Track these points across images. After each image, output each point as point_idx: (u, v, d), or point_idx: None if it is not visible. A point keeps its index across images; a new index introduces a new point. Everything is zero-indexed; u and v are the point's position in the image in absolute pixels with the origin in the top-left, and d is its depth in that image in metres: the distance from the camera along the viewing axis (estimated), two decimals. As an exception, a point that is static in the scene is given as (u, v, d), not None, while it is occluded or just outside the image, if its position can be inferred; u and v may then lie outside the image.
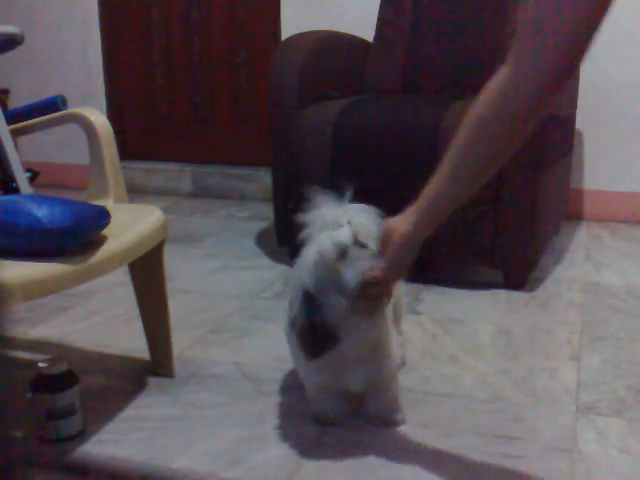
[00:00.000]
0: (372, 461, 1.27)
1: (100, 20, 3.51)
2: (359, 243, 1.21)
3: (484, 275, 2.18)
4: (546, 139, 1.99)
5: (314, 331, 1.20)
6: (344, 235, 1.20)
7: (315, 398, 1.37)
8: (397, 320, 1.50)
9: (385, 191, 2.10)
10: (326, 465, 1.26)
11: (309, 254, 1.21)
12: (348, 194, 1.46)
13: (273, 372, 1.60)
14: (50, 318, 1.92)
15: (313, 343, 1.21)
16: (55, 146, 3.56)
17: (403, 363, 1.58)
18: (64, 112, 1.67)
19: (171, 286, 1.56)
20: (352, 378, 1.31)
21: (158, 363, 1.60)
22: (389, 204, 2.11)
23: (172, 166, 3.47)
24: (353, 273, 1.18)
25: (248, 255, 2.43)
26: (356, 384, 1.32)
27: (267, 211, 2.88)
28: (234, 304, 2.01)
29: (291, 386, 1.53)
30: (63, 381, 1.32)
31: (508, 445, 1.31)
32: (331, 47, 2.49)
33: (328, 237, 1.20)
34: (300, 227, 1.28)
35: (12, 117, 1.70)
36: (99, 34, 3.52)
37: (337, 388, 1.35)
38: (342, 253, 1.19)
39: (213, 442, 1.33)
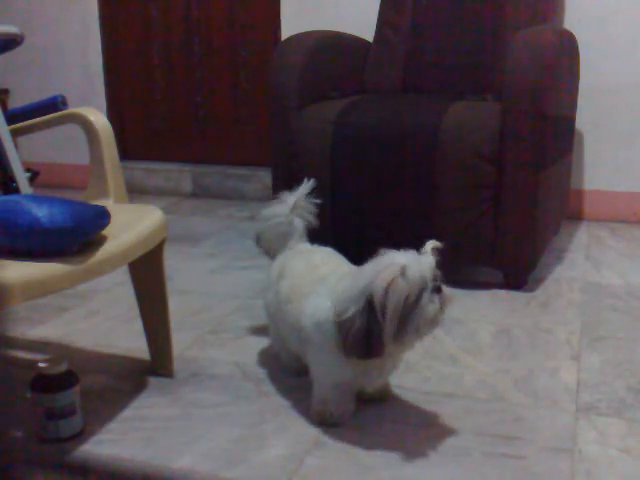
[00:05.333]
0: (372, 461, 1.27)
1: (100, 20, 3.51)
2: (437, 287, 1.22)
3: (484, 275, 2.18)
4: (546, 139, 1.99)
5: (363, 339, 1.20)
6: (424, 265, 1.22)
7: (325, 397, 1.36)
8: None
9: (385, 191, 2.11)
10: (326, 465, 1.26)
11: (388, 270, 1.20)
12: (302, 188, 1.55)
13: (273, 372, 1.60)
14: (50, 318, 1.92)
15: (366, 348, 1.21)
16: (55, 146, 3.56)
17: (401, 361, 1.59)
18: (64, 112, 1.67)
19: (171, 286, 1.56)
20: (372, 379, 1.35)
21: (158, 363, 1.60)
22: (389, 204, 2.11)
23: (172, 166, 3.47)
24: (420, 318, 1.20)
25: (248, 255, 2.43)
26: (373, 384, 1.38)
27: (267, 211, 2.88)
28: (234, 304, 2.01)
29: (291, 386, 1.53)
30: (63, 381, 1.32)
31: (508, 445, 1.31)
32: (331, 47, 2.49)
33: (418, 265, 1.21)
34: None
35: (12, 117, 1.70)
36: (99, 34, 3.52)
37: (353, 387, 1.37)
38: (423, 288, 1.20)
39: (213, 442, 1.33)
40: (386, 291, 1.18)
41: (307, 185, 1.57)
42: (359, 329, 1.20)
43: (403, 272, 1.19)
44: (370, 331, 1.19)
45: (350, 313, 1.21)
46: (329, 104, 2.24)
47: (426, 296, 1.20)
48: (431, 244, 1.26)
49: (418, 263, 1.21)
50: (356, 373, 1.32)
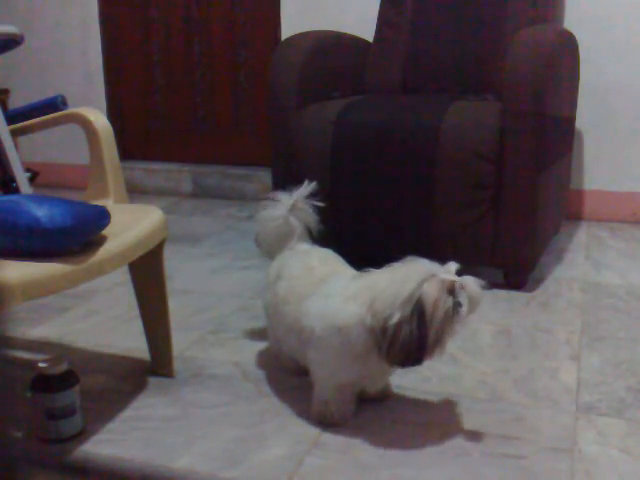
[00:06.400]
0: (372, 461, 1.27)
1: (100, 20, 3.51)
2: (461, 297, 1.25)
3: (484, 275, 2.18)
4: (546, 139, 2.00)
5: (412, 347, 1.22)
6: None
7: (327, 398, 1.36)
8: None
9: (385, 191, 2.10)
10: (326, 465, 1.26)
11: (436, 280, 1.22)
12: (302, 189, 1.56)
13: (273, 372, 1.60)
14: (50, 318, 1.92)
15: (414, 355, 1.23)
16: (55, 146, 3.56)
17: None
18: (64, 112, 1.67)
19: (171, 286, 1.57)
20: (375, 380, 1.38)
21: (158, 363, 1.60)
22: (389, 204, 2.11)
23: (172, 166, 3.47)
24: (454, 328, 1.24)
25: (248, 255, 2.43)
26: (376, 385, 1.41)
27: (267, 211, 2.88)
28: (234, 304, 2.01)
29: (291, 386, 1.53)
30: (63, 381, 1.32)
31: (508, 445, 1.31)
32: (331, 47, 2.49)
33: (466, 280, 1.24)
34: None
35: (12, 117, 1.70)
36: (99, 34, 3.52)
37: (355, 388, 1.38)
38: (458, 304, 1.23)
39: (213, 442, 1.33)
40: (436, 303, 1.21)
41: (307, 187, 1.57)
42: (408, 336, 1.21)
43: (451, 287, 1.22)
44: (419, 338, 1.21)
45: (396, 319, 1.21)
46: (329, 104, 2.24)
47: (455, 311, 1.24)
48: (454, 266, 1.27)
49: (464, 280, 1.24)
50: (363, 375, 1.32)
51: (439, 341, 1.23)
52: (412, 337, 1.21)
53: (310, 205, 1.57)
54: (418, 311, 1.20)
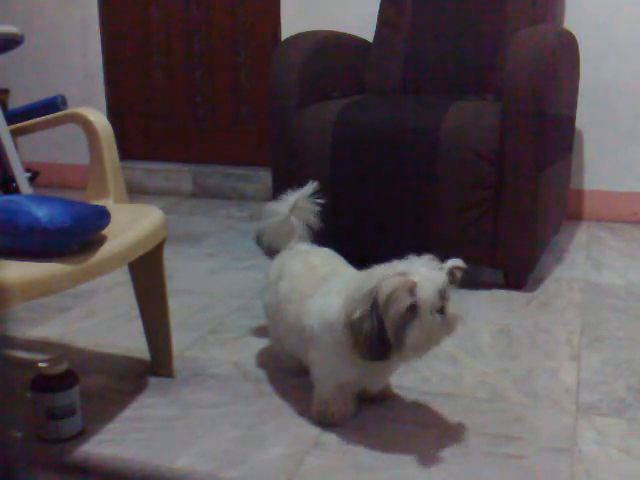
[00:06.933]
0: (372, 461, 1.27)
1: (100, 20, 3.51)
2: (441, 307, 1.21)
3: (484, 275, 2.18)
4: (546, 139, 2.00)
5: (373, 341, 1.20)
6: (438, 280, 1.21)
7: (327, 397, 1.36)
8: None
9: (385, 191, 2.10)
10: (326, 465, 1.26)
11: (396, 278, 1.20)
12: (304, 189, 1.55)
13: (273, 372, 1.60)
14: (50, 318, 1.92)
15: (369, 349, 1.21)
16: (55, 146, 3.56)
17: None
18: (64, 112, 1.67)
19: (171, 286, 1.56)
20: (376, 380, 1.37)
21: (158, 363, 1.60)
22: (389, 204, 2.11)
23: (172, 166, 3.47)
24: (418, 333, 1.19)
25: (248, 255, 2.43)
26: (377, 384, 1.40)
27: (267, 211, 2.88)
28: (234, 304, 2.01)
29: (291, 386, 1.53)
30: (63, 381, 1.32)
31: (508, 445, 1.31)
32: (331, 47, 2.49)
33: (431, 281, 1.19)
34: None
35: (12, 117, 1.70)
36: (99, 34, 3.52)
37: (356, 388, 1.37)
38: (413, 307, 1.19)
39: (213, 442, 1.33)
40: (388, 298, 1.18)
41: (310, 187, 1.57)
42: (368, 331, 1.20)
43: (412, 286, 1.18)
44: (379, 333, 1.20)
45: (358, 314, 1.21)
46: (329, 104, 2.24)
47: (428, 314, 1.19)
48: (454, 262, 1.25)
49: (429, 280, 1.19)
50: (362, 374, 1.32)
51: (400, 339, 1.19)
52: (373, 331, 1.19)
53: (312, 205, 1.57)
54: (375, 306, 1.19)
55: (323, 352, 1.33)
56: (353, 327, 1.22)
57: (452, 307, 1.23)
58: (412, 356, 1.25)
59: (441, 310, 1.21)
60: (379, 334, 1.19)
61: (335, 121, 2.15)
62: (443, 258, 1.27)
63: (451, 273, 1.25)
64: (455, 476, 1.22)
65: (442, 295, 1.21)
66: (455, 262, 1.26)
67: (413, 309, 1.19)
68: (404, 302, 1.18)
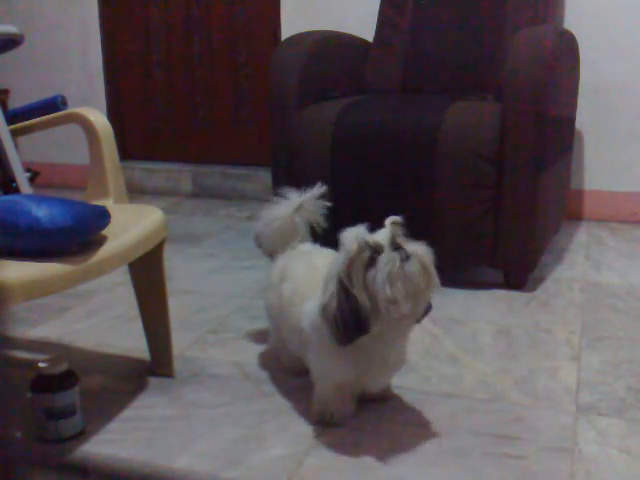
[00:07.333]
0: (372, 461, 1.27)
1: (100, 20, 3.51)
2: (396, 246, 1.20)
3: (484, 275, 2.18)
4: (546, 139, 2.00)
5: (345, 318, 1.20)
6: (378, 235, 1.22)
7: (326, 398, 1.36)
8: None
9: (385, 191, 2.10)
10: (326, 465, 1.26)
11: (346, 245, 1.22)
12: (312, 191, 1.55)
13: (273, 372, 1.60)
14: (50, 318, 1.92)
15: (344, 329, 1.21)
16: (55, 146, 3.56)
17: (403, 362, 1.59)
18: (64, 112, 1.67)
19: (171, 286, 1.56)
20: (375, 379, 1.35)
21: (158, 363, 1.60)
22: (389, 204, 2.11)
23: (172, 166, 3.47)
24: (379, 277, 1.18)
25: (248, 255, 2.43)
26: (377, 384, 1.38)
27: (267, 211, 2.88)
28: (234, 304, 2.01)
29: (291, 386, 1.53)
30: (63, 381, 1.32)
31: (508, 445, 1.31)
32: (331, 47, 2.49)
33: (356, 234, 1.22)
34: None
35: (12, 117, 1.70)
36: (99, 34, 3.52)
37: (355, 388, 1.37)
38: (371, 253, 1.19)
39: (213, 442, 1.33)
40: (348, 266, 1.19)
41: (318, 189, 1.55)
42: (339, 308, 1.20)
43: (363, 246, 1.19)
44: (345, 311, 1.19)
45: (326, 298, 1.22)
46: (329, 104, 2.24)
47: (382, 258, 1.19)
48: (390, 219, 1.25)
49: (377, 233, 1.21)
50: (358, 373, 1.31)
51: (373, 299, 1.18)
52: (343, 306, 1.19)
53: (319, 207, 1.56)
54: (340, 282, 1.20)
55: (317, 353, 1.34)
56: (326, 313, 1.23)
57: (413, 246, 1.22)
58: (394, 314, 1.20)
59: (397, 248, 1.20)
60: (350, 307, 1.19)
61: (335, 121, 2.15)
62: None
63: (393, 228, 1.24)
64: (455, 476, 1.22)
65: (394, 240, 1.21)
66: (392, 219, 1.25)
67: (372, 262, 1.19)
68: (362, 259, 1.19)
